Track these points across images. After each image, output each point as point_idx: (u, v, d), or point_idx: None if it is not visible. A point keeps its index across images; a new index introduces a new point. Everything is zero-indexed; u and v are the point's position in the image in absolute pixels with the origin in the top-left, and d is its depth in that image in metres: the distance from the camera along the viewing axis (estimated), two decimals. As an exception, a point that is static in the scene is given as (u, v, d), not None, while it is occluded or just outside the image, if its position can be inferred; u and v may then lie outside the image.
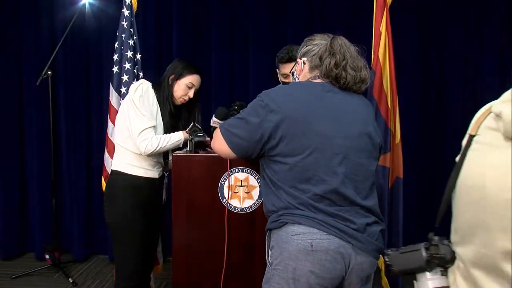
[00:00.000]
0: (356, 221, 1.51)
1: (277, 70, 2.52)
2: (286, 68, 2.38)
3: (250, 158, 1.65)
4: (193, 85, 2.31)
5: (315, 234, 1.47)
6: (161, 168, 2.35)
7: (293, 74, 1.77)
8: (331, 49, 1.59)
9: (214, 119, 2.22)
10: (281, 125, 1.51)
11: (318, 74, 1.62)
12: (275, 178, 1.56)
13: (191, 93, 2.31)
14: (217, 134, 1.68)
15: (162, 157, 2.33)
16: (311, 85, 1.60)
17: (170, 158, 2.34)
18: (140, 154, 2.21)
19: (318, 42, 1.64)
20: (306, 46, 1.68)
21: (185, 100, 2.31)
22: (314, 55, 1.63)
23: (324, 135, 1.50)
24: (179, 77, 2.29)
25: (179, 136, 2.24)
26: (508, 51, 3.38)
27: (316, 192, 1.49)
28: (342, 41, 1.61)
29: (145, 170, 2.28)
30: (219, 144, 1.65)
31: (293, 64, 2.31)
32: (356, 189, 1.53)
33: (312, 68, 1.64)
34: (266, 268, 1.64)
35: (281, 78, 2.46)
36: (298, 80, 1.72)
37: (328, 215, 1.49)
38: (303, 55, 1.68)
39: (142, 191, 2.27)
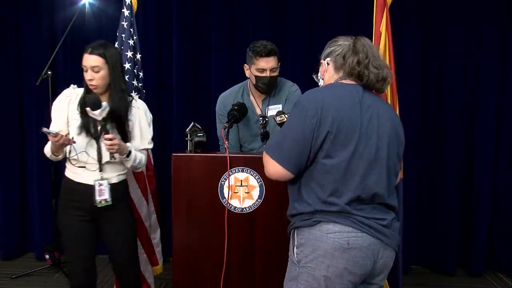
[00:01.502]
0: (384, 218, 1.59)
1: (246, 65, 2.48)
2: (263, 62, 2.36)
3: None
4: (85, 66, 2.08)
5: (350, 232, 1.52)
6: (99, 174, 2.15)
7: (316, 75, 1.81)
8: (354, 48, 1.62)
9: (87, 108, 2.02)
10: (323, 126, 1.52)
11: (344, 74, 1.65)
12: (313, 182, 1.56)
13: (87, 76, 2.08)
14: (264, 157, 1.64)
15: (97, 160, 2.14)
16: (345, 87, 1.62)
17: (115, 158, 2.15)
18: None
19: (342, 43, 1.68)
20: (330, 47, 1.71)
21: (92, 85, 2.09)
22: (337, 55, 1.67)
23: (362, 136, 1.53)
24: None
25: (46, 149, 2.14)
26: (508, 51, 3.38)
27: (353, 193, 1.53)
28: (365, 41, 1.64)
29: (78, 175, 2.16)
30: (272, 167, 1.60)
31: (271, 58, 2.35)
32: (385, 189, 1.59)
33: (337, 68, 1.67)
34: (290, 266, 1.65)
35: (255, 73, 2.40)
36: (322, 81, 1.75)
37: (361, 213, 1.54)
38: (327, 56, 1.72)
39: (75, 196, 2.16)
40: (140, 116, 2.22)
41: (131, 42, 2.72)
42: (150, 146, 2.29)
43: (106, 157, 2.14)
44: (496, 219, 3.48)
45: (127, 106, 2.17)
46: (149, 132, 2.26)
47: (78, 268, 2.17)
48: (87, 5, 3.51)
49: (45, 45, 3.57)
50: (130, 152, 2.14)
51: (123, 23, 2.72)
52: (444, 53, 3.43)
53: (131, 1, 2.74)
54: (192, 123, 2.23)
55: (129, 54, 2.70)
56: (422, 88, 3.47)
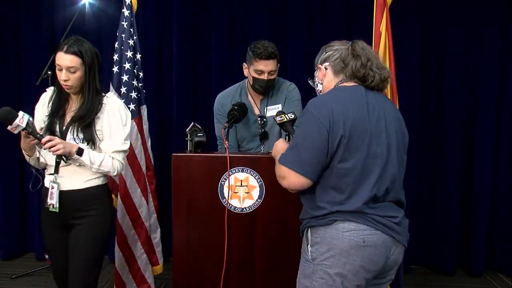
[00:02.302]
0: (396, 215, 1.62)
1: (245, 64, 2.47)
2: (262, 65, 2.35)
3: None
4: (60, 66, 1.94)
5: (365, 230, 1.56)
6: (53, 176, 2.00)
7: (312, 80, 1.84)
8: (353, 52, 1.66)
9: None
10: (336, 131, 1.54)
11: (344, 77, 1.68)
12: (330, 187, 1.58)
13: (60, 75, 1.95)
14: (282, 170, 1.62)
15: (54, 161, 1.98)
16: (348, 89, 1.65)
17: (69, 160, 1.96)
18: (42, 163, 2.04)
19: (338, 48, 1.71)
20: (326, 53, 1.74)
21: (67, 85, 1.96)
22: (336, 59, 1.70)
23: (373, 135, 1.57)
24: (55, 66, 1.98)
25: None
26: (508, 51, 3.38)
27: (370, 193, 1.56)
28: (362, 44, 1.68)
29: (46, 179, 2.04)
30: (294, 178, 1.60)
31: (271, 61, 2.35)
32: (395, 185, 1.63)
33: (337, 72, 1.70)
34: (303, 264, 1.66)
35: (253, 74, 2.40)
36: (320, 86, 1.77)
37: (376, 212, 1.57)
38: (324, 61, 1.74)
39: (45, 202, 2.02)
40: (110, 114, 2.02)
41: (131, 42, 2.72)
42: (124, 147, 2.04)
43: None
44: (496, 219, 3.48)
45: (97, 106, 2.01)
46: (122, 132, 2.03)
47: (58, 277, 2.11)
48: (87, 5, 3.51)
49: (45, 45, 3.56)
50: (82, 151, 1.93)
51: (123, 23, 2.72)
52: (444, 53, 3.43)
53: (131, 1, 2.74)
54: (192, 123, 2.23)
55: (129, 54, 2.70)
56: (422, 88, 3.47)
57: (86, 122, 1.98)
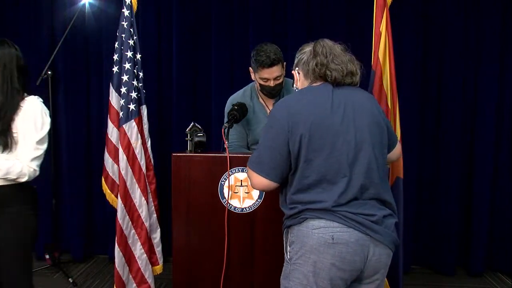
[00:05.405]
0: (374, 214, 1.58)
1: (251, 68, 2.46)
2: (266, 73, 2.34)
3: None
4: None
5: (336, 227, 1.54)
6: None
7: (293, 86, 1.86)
8: (314, 52, 1.69)
9: None
10: (295, 131, 1.56)
11: (312, 78, 1.71)
12: (298, 189, 1.59)
13: None
14: (247, 171, 1.70)
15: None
16: (314, 89, 1.67)
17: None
18: None
19: (306, 50, 1.75)
20: (297, 58, 1.79)
21: None
22: (303, 63, 1.73)
23: (339, 133, 1.56)
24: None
25: None
26: (508, 52, 3.38)
27: (342, 190, 1.55)
28: (324, 43, 1.70)
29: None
30: (256, 179, 1.66)
31: (274, 68, 2.33)
32: (374, 181, 1.59)
33: (306, 75, 1.73)
34: (284, 264, 1.67)
35: (259, 81, 2.41)
36: (297, 90, 1.80)
37: (348, 209, 1.55)
38: (296, 66, 1.79)
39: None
40: (25, 116, 1.92)
41: (131, 42, 2.71)
42: (36, 153, 1.92)
43: None
44: (496, 219, 3.48)
45: (16, 107, 1.91)
46: (34, 136, 1.91)
47: None
48: (87, 5, 3.50)
49: (45, 45, 3.56)
50: None
51: (123, 23, 2.71)
52: (444, 53, 3.43)
53: (131, 1, 2.74)
54: (192, 123, 2.24)
55: (129, 54, 2.70)
56: (422, 88, 3.47)
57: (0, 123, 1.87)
